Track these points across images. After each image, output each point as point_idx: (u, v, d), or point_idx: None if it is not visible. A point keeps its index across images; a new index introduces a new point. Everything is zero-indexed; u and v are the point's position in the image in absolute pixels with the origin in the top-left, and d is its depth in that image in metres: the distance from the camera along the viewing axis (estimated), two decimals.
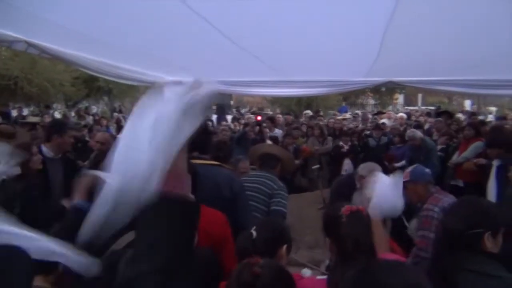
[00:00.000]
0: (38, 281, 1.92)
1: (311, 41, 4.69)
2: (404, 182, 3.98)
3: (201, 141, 3.88)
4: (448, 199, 3.56)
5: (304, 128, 9.49)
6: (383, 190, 2.40)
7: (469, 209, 2.14)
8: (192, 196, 1.20)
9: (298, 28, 4.18)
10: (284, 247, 2.09)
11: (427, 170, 3.91)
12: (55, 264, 1.92)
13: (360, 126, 9.79)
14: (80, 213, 2.40)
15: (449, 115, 10.12)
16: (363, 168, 4.77)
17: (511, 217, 3.46)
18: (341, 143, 7.94)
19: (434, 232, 3.38)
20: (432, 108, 25.12)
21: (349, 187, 4.79)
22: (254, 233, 2.09)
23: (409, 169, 4.04)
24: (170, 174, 1.10)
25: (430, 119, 10.61)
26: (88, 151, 6.49)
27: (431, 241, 3.40)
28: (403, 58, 5.51)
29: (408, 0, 3.06)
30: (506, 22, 3.72)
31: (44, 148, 4.13)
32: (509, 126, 9.08)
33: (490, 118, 18.94)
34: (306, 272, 3.94)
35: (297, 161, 7.29)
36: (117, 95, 20.10)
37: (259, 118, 8.90)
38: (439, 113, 11.19)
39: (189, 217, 1.16)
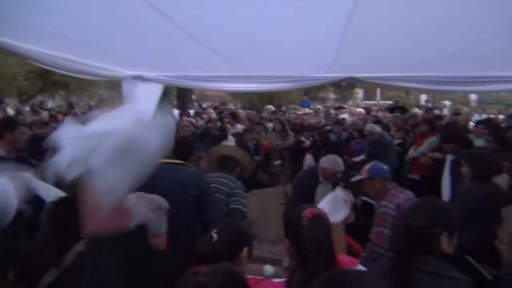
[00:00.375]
0: None
1: (271, 36, 4.70)
2: (362, 179, 4.06)
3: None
4: (404, 195, 3.64)
5: (266, 123, 9.50)
6: (324, 207, 2.50)
7: (430, 209, 2.20)
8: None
9: (259, 23, 4.18)
10: (245, 250, 2.03)
11: (385, 167, 3.98)
12: (5, 271, 1.84)
13: (323, 121, 9.89)
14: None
15: (403, 110, 10.42)
16: (325, 160, 4.83)
17: (462, 212, 3.60)
18: (302, 138, 7.99)
19: (389, 228, 3.47)
20: (390, 102, 25.79)
21: (312, 180, 4.85)
22: (215, 236, 2.04)
23: (367, 166, 4.11)
24: (117, 211, 1.05)
25: (388, 115, 10.87)
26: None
27: (386, 237, 3.48)
28: (363, 54, 5.61)
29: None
30: (460, 21, 3.84)
31: None
32: (462, 121, 9.46)
33: (445, 112, 19.65)
34: (268, 268, 3.96)
35: (257, 157, 7.28)
36: (75, 90, 19.44)
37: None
38: (393, 109, 11.51)
39: (136, 246, 1.10)
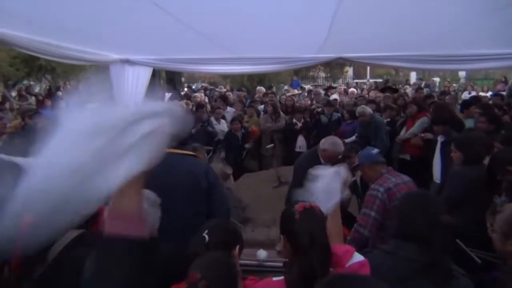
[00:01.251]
0: None
1: (261, 18, 4.65)
2: (356, 166, 4.08)
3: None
4: (395, 179, 3.65)
5: (257, 105, 9.44)
6: (324, 187, 2.45)
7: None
8: (148, 236, 1.11)
9: (248, 4, 4.12)
10: (237, 248, 2.03)
11: (374, 151, 3.96)
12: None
13: (314, 104, 9.84)
14: None
15: (393, 90, 10.45)
16: (324, 142, 4.82)
17: (452, 195, 3.64)
18: (294, 120, 7.97)
19: (375, 211, 3.50)
20: (380, 80, 25.80)
21: (313, 163, 4.83)
22: (207, 237, 2.03)
23: (359, 153, 4.12)
24: (116, 215, 1.03)
25: (380, 94, 10.86)
26: None
27: (371, 219, 3.51)
28: (352, 35, 5.59)
29: None
30: (449, 2, 3.84)
31: None
32: (449, 100, 9.47)
33: (436, 89, 19.74)
34: (261, 253, 3.98)
35: (247, 145, 7.20)
36: (61, 74, 19.14)
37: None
38: (383, 89, 11.52)
39: (141, 261, 1.07)
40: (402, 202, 2.41)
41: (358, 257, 1.98)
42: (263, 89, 13.53)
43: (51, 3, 4.10)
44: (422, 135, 6.17)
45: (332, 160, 4.48)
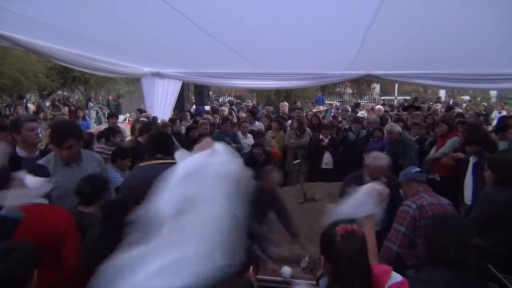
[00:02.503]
0: None
1: (291, 34, 4.70)
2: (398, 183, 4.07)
3: (163, 144, 3.83)
4: (431, 199, 3.56)
5: (283, 121, 9.41)
6: (355, 201, 2.46)
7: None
8: None
9: (278, 22, 4.18)
10: (250, 268, 1.95)
11: (414, 169, 3.91)
12: None
13: (341, 120, 9.76)
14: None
15: (415, 108, 10.31)
16: (368, 156, 4.77)
17: (483, 217, 3.55)
18: (321, 136, 7.95)
19: (405, 227, 3.44)
20: (408, 97, 25.49)
21: (358, 182, 4.77)
22: None
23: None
24: None
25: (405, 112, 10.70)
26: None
27: (400, 235, 3.45)
28: (382, 52, 5.59)
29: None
30: (478, 21, 3.83)
31: (18, 149, 3.83)
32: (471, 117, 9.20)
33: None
34: (286, 270, 3.96)
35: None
36: (94, 85, 19.68)
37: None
38: (406, 107, 11.38)
39: None
40: (428, 226, 2.36)
41: (396, 277, 1.94)
42: (286, 104, 13.56)
43: (86, 17, 4.26)
44: (454, 154, 6.04)
45: (376, 175, 4.40)
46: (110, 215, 2.52)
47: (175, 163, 3.26)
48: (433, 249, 2.19)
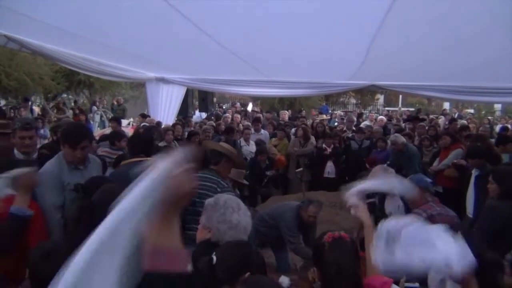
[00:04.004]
0: None
1: (297, 43, 4.72)
2: None
3: (145, 144, 3.94)
4: (440, 209, 3.55)
5: (287, 128, 9.40)
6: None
7: None
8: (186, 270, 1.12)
9: (284, 30, 4.20)
10: (247, 274, 1.80)
11: (425, 179, 3.91)
12: None
13: (346, 130, 9.74)
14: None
15: (419, 120, 10.29)
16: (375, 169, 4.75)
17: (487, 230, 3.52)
18: (324, 145, 7.93)
19: None
20: (412, 109, 25.46)
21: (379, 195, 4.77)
22: (214, 258, 1.85)
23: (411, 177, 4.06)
24: (154, 252, 1.06)
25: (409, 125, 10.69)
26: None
27: None
28: (386, 63, 5.60)
29: (398, 10, 3.10)
30: (484, 34, 3.83)
31: (15, 151, 3.74)
32: (484, 131, 9.19)
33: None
34: (284, 280, 3.93)
35: (269, 172, 7.09)
36: (99, 89, 19.77)
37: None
38: (409, 120, 11.38)
39: None
40: None
41: None
42: (287, 112, 13.58)
43: (94, 21, 4.29)
44: (456, 161, 5.99)
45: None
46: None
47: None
48: None
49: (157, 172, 1.10)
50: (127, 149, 4.70)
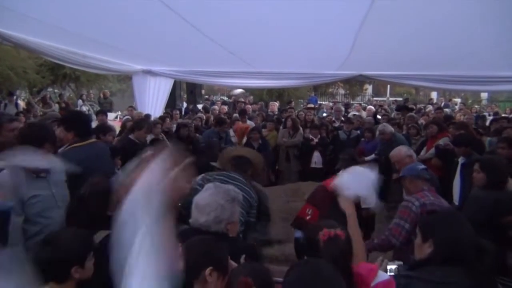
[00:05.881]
0: None
1: (283, 34, 4.70)
2: (399, 178, 4.05)
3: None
4: (434, 199, 3.54)
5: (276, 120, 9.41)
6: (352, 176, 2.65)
7: None
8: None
9: (270, 20, 4.19)
10: (208, 270, 1.79)
11: (420, 166, 3.89)
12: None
13: (335, 121, 9.77)
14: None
15: (408, 109, 10.36)
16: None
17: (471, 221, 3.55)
18: (310, 136, 7.93)
19: (409, 223, 3.42)
20: (400, 99, 25.60)
21: None
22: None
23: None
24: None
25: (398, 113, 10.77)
26: None
27: (404, 231, 3.44)
28: (374, 53, 5.61)
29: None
30: (470, 24, 3.85)
31: None
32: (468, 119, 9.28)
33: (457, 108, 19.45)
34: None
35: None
36: (85, 83, 19.52)
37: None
38: (399, 108, 11.45)
39: None
40: (437, 223, 2.28)
41: (383, 276, 1.93)
42: (276, 103, 13.57)
43: (78, 13, 4.22)
44: (441, 143, 6.00)
45: (401, 166, 4.41)
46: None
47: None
48: (448, 248, 2.07)
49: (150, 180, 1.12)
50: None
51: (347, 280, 1.78)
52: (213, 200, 2.37)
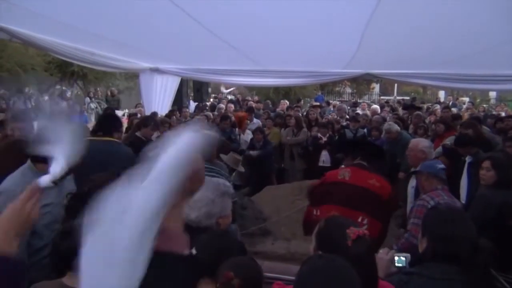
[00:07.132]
0: None
1: (290, 32, 4.70)
2: (415, 172, 4.04)
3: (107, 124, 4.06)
4: (448, 198, 3.53)
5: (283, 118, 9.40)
6: None
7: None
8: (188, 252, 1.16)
9: (277, 19, 4.19)
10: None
11: (440, 165, 3.86)
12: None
13: (341, 120, 9.75)
14: None
15: (415, 108, 10.30)
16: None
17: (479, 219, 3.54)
18: (319, 134, 7.93)
19: None
20: (407, 98, 25.46)
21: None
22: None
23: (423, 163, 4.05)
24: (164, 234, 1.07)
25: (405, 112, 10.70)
26: None
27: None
28: (381, 51, 5.59)
29: None
30: (478, 22, 3.83)
31: None
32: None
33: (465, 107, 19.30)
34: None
35: (253, 152, 7.19)
36: (93, 80, 19.58)
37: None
38: (406, 107, 11.40)
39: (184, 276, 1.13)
40: (435, 220, 2.27)
41: None
42: (287, 102, 13.56)
43: (86, 11, 4.25)
44: (448, 142, 5.96)
45: (416, 161, 4.39)
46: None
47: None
48: (443, 244, 2.07)
49: (180, 149, 1.05)
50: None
51: (371, 281, 1.75)
52: (203, 195, 2.36)
